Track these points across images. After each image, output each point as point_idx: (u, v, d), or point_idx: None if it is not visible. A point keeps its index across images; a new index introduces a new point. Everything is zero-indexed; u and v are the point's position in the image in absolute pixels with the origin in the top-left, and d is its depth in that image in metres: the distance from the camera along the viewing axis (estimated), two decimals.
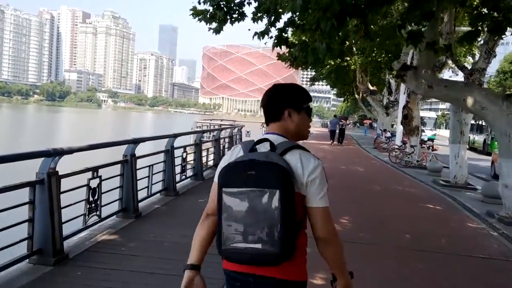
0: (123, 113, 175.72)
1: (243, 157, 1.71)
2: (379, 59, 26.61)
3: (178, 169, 8.58)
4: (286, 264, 1.64)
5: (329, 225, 1.73)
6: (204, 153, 10.51)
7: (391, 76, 32.86)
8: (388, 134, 24.68)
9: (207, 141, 12.05)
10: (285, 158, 1.69)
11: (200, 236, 1.83)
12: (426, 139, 23.41)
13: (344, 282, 1.79)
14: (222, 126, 16.31)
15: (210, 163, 11.30)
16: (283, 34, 7.58)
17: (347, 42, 24.50)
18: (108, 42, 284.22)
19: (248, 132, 23.10)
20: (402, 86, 20.59)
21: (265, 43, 7.88)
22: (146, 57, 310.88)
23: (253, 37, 7.69)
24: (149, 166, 7.16)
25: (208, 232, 1.82)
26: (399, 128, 20.40)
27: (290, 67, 30.17)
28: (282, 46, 8.09)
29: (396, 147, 19.11)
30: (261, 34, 7.66)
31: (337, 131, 26.47)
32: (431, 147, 15.35)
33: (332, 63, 24.38)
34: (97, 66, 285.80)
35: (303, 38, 7.83)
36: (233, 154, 1.82)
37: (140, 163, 6.51)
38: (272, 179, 1.61)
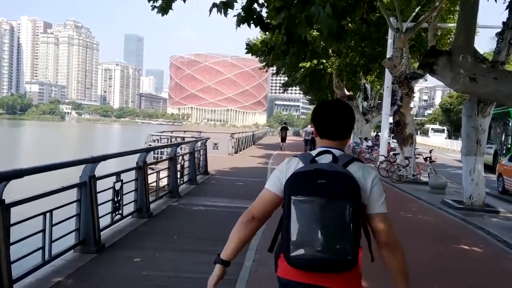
0: (88, 125, 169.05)
1: (309, 167, 1.80)
2: (355, 62, 24.68)
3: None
4: (347, 274, 1.75)
5: (393, 231, 1.85)
6: (153, 176, 7.97)
7: (366, 80, 31.27)
8: (369, 143, 22.58)
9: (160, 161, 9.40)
10: (349, 169, 1.80)
11: (241, 237, 1.90)
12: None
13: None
14: (181, 140, 13.57)
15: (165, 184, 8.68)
16: (255, 3, 5.08)
17: (322, 43, 22.60)
18: (71, 52, 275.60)
19: (216, 144, 20.46)
20: (386, 89, 18.54)
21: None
22: (111, 67, 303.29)
23: (210, 10, 5.12)
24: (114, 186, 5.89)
25: (249, 235, 1.92)
26: (384, 136, 18.27)
27: (262, 69, 28.02)
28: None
29: (383, 158, 16.94)
30: (224, 6, 5.09)
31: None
32: (428, 159, 13.14)
33: (307, 66, 22.16)
34: (59, 77, 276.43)
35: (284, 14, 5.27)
36: (291, 165, 1.90)
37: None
38: (343, 188, 1.72)
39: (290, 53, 5.75)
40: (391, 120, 20.89)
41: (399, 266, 1.84)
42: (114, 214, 5.88)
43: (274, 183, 1.91)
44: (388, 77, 18.49)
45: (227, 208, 7.88)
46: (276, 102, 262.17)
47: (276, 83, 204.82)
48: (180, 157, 9.69)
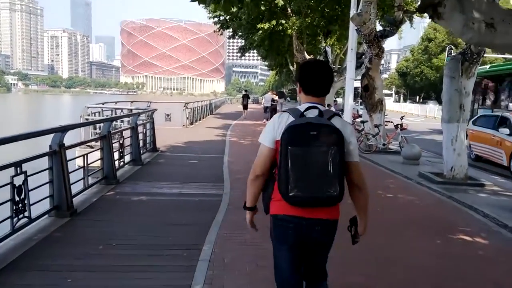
0: (36, 97, 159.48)
1: (300, 121, 2.13)
2: (315, 23, 23.24)
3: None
4: (331, 207, 2.19)
5: (363, 175, 2.25)
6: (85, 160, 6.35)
7: (327, 44, 30.00)
8: (333, 109, 21.46)
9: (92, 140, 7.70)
10: (332, 122, 2.14)
11: (254, 191, 2.36)
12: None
13: (366, 221, 2.35)
14: (128, 112, 11.77)
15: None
16: None
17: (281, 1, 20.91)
18: (13, 19, 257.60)
19: (168, 115, 18.69)
20: (350, 51, 17.29)
21: None
22: (57, 34, 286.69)
23: None
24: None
25: (260, 188, 2.34)
26: (349, 103, 17.15)
27: (217, 31, 26.00)
28: None
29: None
30: None
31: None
32: (399, 126, 12.11)
33: (266, 27, 20.50)
34: (3, 46, 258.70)
35: None
36: (283, 120, 2.20)
37: None
38: (332, 138, 2.07)
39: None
40: (356, 84, 19.92)
41: (363, 202, 2.31)
42: (14, 219, 4.30)
43: (270, 138, 2.24)
44: (352, 38, 17.19)
45: (176, 197, 6.44)
46: (234, 69, 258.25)
47: (233, 48, 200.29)
48: (119, 134, 8.08)
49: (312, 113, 2.17)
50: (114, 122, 12.30)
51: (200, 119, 22.84)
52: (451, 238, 4.90)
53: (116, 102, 16.23)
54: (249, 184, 2.34)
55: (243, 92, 30.77)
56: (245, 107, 27.09)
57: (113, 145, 7.90)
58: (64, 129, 5.24)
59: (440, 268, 4.06)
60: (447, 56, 37.35)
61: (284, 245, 2.26)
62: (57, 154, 5.14)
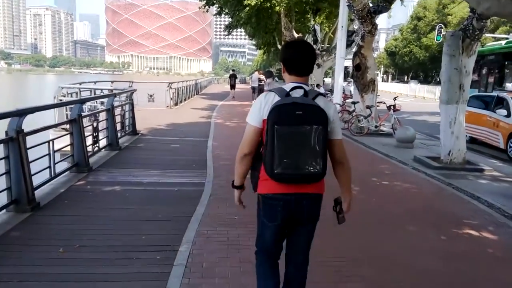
0: (19, 76, 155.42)
1: (285, 100, 2.16)
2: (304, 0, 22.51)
3: None
4: (317, 183, 2.25)
5: (345, 152, 2.33)
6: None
7: (316, 22, 29.21)
8: (322, 90, 20.89)
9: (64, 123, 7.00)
10: (316, 101, 2.19)
11: (242, 171, 2.39)
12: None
13: (350, 197, 2.43)
14: (109, 92, 10.99)
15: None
16: None
17: None
18: None
19: (151, 95, 17.91)
20: (340, 29, 16.62)
21: None
22: (40, 12, 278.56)
23: None
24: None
25: (247, 168, 2.39)
26: (339, 82, 16.57)
27: (202, 8, 24.98)
28: None
29: (339, 106, 15.34)
30: None
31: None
32: (392, 107, 11.60)
33: (253, 3, 19.65)
34: None
35: None
36: (269, 99, 2.23)
37: None
38: (316, 117, 2.13)
39: None
40: (346, 64, 19.32)
41: (346, 178, 2.38)
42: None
43: (256, 118, 2.26)
44: (343, 15, 16.51)
45: (154, 186, 5.85)
46: (222, 48, 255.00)
47: (220, 27, 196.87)
48: (93, 117, 7.43)
49: (298, 93, 2.22)
50: (90, 104, 11.70)
51: (185, 100, 22.07)
52: (456, 234, 4.43)
53: (95, 82, 15.37)
54: (237, 163, 2.38)
55: (230, 72, 31.16)
56: (232, 86, 27.43)
57: (90, 128, 7.32)
58: (22, 113, 4.59)
59: (446, 270, 3.58)
60: (437, 35, 36.86)
61: (273, 222, 2.33)
62: (15, 141, 4.51)
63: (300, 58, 2.26)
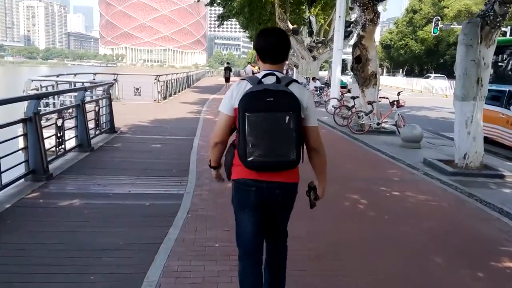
0: (12, 68, 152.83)
1: (257, 87, 2.12)
2: None
3: None
4: (290, 171, 2.20)
5: (320, 139, 2.28)
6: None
7: (311, 13, 28.21)
8: (318, 83, 19.94)
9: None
10: (290, 88, 2.15)
11: (216, 157, 2.39)
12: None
13: (325, 184, 2.35)
14: (89, 85, 9.88)
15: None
16: None
17: None
18: None
19: (137, 89, 16.86)
20: (338, 20, 15.64)
21: None
22: (33, 4, 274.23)
23: None
24: None
25: (220, 154, 2.38)
26: (336, 75, 15.63)
27: None
28: None
29: (337, 101, 14.41)
30: None
31: None
32: (396, 103, 10.65)
33: None
34: None
35: None
36: (241, 87, 2.19)
37: None
38: (289, 104, 2.08)
39: None
40: (344, 56, 18.34)
41: (321, 165, 2.32)
42: None
43: (228, 106, 2.23)
44: (341, 4, 15.54)
45: (121, 199, 4.88)
46: (216, 41, 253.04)
47: (215, 19, 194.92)
48: (56, 115, 6.43)
49: (270, 80, 2.19)
50: (63, 99, 10.67)
51: (175, 93, 21.00)
52: (496, 269, 3.51)
53: (75, 74, 14.24)
54: (210, 151, 2.39)
55: (225, 65, 30.82)
56: (227, 79, 27.10)
57: (57, 127, 6.32)
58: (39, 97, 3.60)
59: None
60: (434, 27, 35.95)
61: (246, 207, 2.28)
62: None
63: (273, 46, 2.23)
